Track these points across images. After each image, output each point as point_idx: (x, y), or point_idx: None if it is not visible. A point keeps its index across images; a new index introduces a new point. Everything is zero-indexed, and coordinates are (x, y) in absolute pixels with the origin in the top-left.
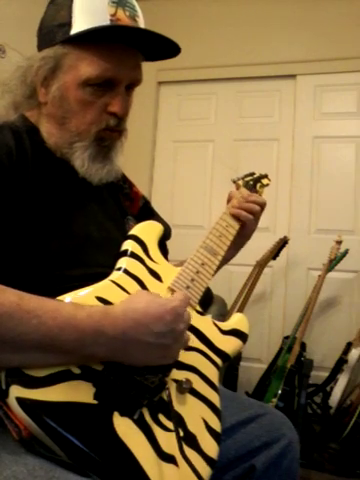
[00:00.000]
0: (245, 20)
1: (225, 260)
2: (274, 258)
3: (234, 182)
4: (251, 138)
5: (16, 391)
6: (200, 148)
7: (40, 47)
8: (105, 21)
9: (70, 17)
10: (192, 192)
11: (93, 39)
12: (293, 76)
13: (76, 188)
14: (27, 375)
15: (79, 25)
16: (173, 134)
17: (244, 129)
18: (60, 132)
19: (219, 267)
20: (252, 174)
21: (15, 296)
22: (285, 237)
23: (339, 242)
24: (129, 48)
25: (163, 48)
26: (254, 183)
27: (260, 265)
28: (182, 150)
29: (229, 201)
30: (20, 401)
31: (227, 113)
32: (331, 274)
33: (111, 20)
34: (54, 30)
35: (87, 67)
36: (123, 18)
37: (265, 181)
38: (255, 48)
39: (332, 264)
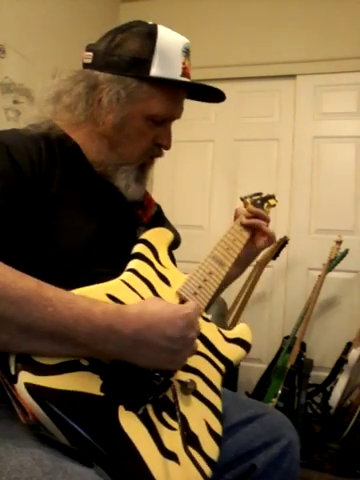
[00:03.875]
0: (245, 20)
1: (230, 278)
2: (274, 258)
3: (242, 200)
4: (251, 138)
5: (25, 377)
6: (200, 148)
7: (103, 68)
8: (178, 69)
9: (151, 56)
10: (192, 192)
11: (165, 82)
12: (293, 76)
13: (109, 199)
14: (37, 362)
15: (158, 68)
16: (173, 134)
17: (244, 129)
18: (109, 152)
19: (226, 284)
20: (260, 194)
21: (34, 282)
22: (285, 237)
23: (339, 242)
24: (185, 90)
25: (212, 95)
26: (261, 202)
27: (260, 265)
28: (182, 150)
29: (236, 217)
30: (28, 387)
31: (227, 113)
32: (331, 274)
33: (182, 68)
34: (129, 61)
35: (156, 104)
36: (188, 66)
37: (272, 201)
38: (255, 48)
39: (332, 264)
